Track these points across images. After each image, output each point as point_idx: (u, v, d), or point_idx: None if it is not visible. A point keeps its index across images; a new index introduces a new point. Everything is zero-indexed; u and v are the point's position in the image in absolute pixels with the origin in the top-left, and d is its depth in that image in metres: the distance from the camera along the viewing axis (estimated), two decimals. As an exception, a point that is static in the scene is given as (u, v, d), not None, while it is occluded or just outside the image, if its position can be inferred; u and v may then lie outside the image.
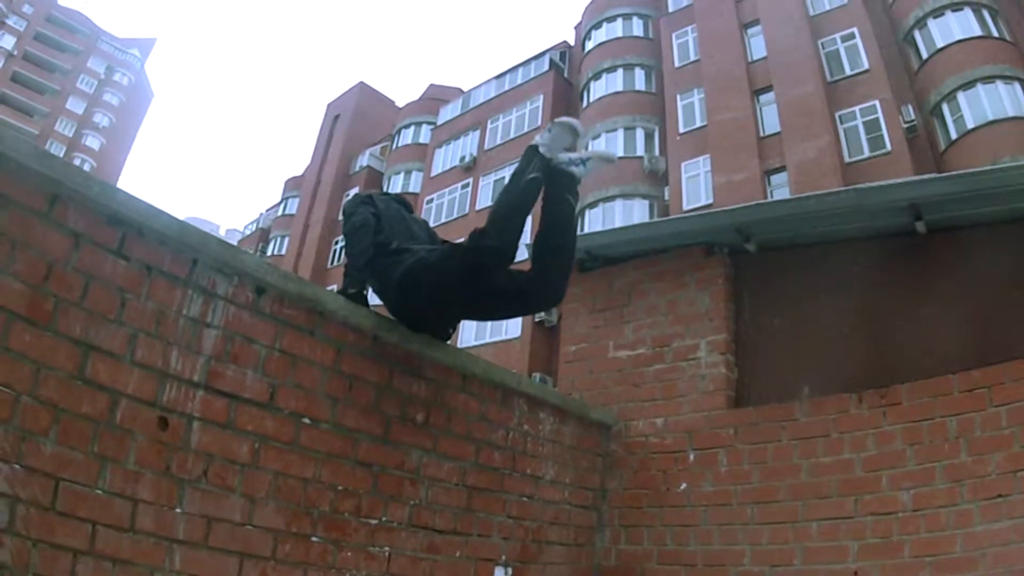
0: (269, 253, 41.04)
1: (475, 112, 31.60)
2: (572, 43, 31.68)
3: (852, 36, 21.66)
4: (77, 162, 45.26)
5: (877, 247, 3.88)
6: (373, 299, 2.94)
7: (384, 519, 2.74)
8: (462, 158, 30.12)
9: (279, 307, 2.53)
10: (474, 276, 2.78)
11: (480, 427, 3.25)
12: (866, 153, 19.64)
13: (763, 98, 22.55)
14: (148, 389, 2.12)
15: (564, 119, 2.96)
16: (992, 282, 3.46)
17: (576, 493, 3.78)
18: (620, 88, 26.52)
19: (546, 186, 2.91)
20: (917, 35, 21.08)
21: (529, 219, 2.86)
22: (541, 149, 2.90)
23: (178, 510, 2.13)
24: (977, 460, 3.06)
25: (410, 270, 2.84)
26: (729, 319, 4.08)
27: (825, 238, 4.01)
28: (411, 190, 31.86)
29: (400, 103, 40.23)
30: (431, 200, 30.33)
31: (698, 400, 3.95)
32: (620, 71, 26.94)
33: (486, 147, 29.82)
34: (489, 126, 30.39)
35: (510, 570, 3.24)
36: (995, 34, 19.82)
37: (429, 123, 34.61)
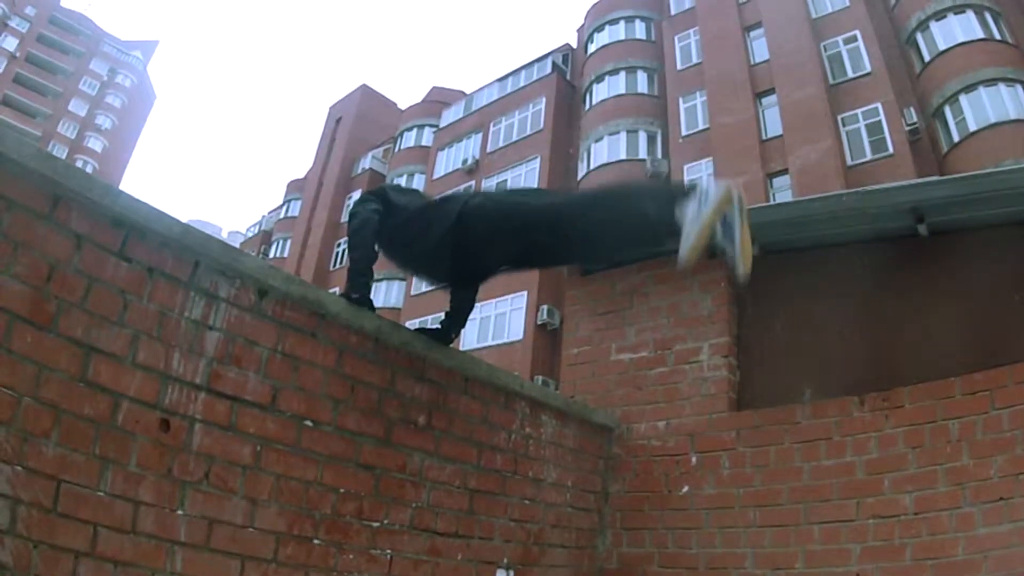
0: (271, 255, 41.12)
1: (478, 115, 31.64)
2: (574, 46, 31.69)
3: (854, 38, 21.66)
4: (79, 164, 45.35)
5: (879, 250, 3.88)
6: (376, 302, 2.93)
7: (386, 522, 2.74)
8: (464, 160, 30.15)
9: (281, 309, 2.53)
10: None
11: (482, 430, 3.25)
12: (868, 156, 19.65)
13: (765, 101, 22.56)
14: (150, 391, 2.12)
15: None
16: (994, 285, 3.46)
17: (578, 496, 3.77)
18: (622, 91, 26.53)
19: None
20: (919, 37, 21.08)
21: None
22: (707, 204, 2.32)
23: (180, 512, 2.13)
24: (979, 463, 3.05)
25: (474, 205, 2.76)
26: (731, 322, 4.07)
27: (827, 241, 4.01)
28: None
29: (402, 106, 40.33)
30: (433, 202, 30.31)
31: (700, 403, 3.94)
32: (622, 74, 26.96)
33: (488, 150, 29.85)
34: (492, 129, 30.41)
35: (512, 573, 3.23)
36: (997, 36, 19.82)
37: (431, 126, 34.66)
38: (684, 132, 23.99)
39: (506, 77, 32.03)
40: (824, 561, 3.29)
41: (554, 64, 30.38)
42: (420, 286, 28.53)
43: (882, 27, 21.72)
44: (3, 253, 1.85)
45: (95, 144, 53.79)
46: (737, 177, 20.79)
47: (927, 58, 20.60)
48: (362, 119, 40.84)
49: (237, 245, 28.36)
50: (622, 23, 28.32)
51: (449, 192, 3.01)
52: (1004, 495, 2.94)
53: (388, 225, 2.91)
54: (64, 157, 22.94)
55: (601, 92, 27.01)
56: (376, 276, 3.00)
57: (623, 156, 24.82)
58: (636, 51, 27.41)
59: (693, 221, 2.33)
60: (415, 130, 35.64)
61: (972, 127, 18.52)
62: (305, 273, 33.91)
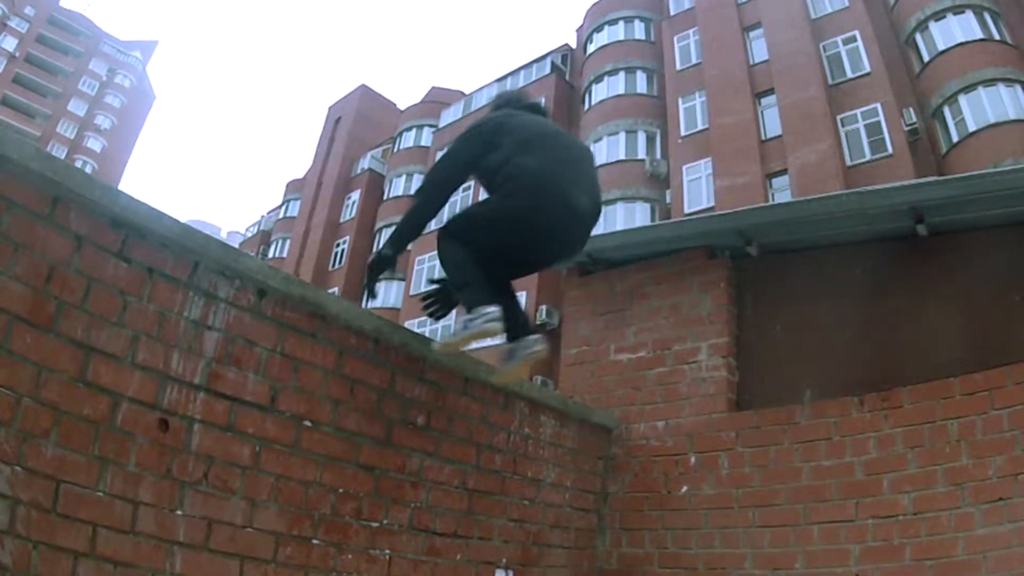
0: (270, 256, 41.11)
1: (477, 115, 31.53)
2: (574, 46, 31.71)
3: (854, 39, 21.68)
4: (79, 164, 45.26)
5: (878, 250, 3.88)
6: (376, 302, 2.92)
7: (385, 522, 2.74)
8: (464, 161, 30.08)
9: (281, 310, 2.53)
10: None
11: (481, 430, 3.25)
12: (868, 156, 19.67)
13: (765, 101, 22.58)
14: (149, 391, 2.12)
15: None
16: (993, 285, 3.46)
17: (577, 496, 3.77)
18: (622, 91, 26.54)
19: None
20: (919, 38, 21.11)
21: None
22: (466, 330, 2.72)
23: (179, 512, 2.13)
24: (978, 463, 3.05)
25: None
26: (730, 322, 4.07)
27: (827, 241, 4.01)
28: (413, 193, 31.87)
29: (402, 106, 40.34)
30: (433, 202, 30.29)
31: (699, 403, 3.94)
32: (622, 74, 26.97)
33: (488, 150, 29.77)
34: (491, 129, 30.35)
35: (511, 573, 3.23)
36: (996, 37, 19.85)
37: (431, 126, 34.67)
38: (683, 132, 24.00)
39: (505, 77, 32.05)
40: (824, 561, 3.29)
41: (553, 64, 30.39)
42: (420, 286, 28.53)
43: (881, 27, 21.73)
44: (3, 253, 1.85)
45: (94, 144, 53.78)
46: (736, 178, 20.82)
47: (926, 58, 20.62)
48: (361, 119, 40.84)
49: (236, 245, 28.37)
50: (621, 23, 28.32)
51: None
52: (1004, 495, 2.94)
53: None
54: (63, 157, 22.82)
55: (600, 92, 27.02)
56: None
57: (622, 156, 24.83)
58: (635, 51, 27.42)
59: (456, 332, 2.75)
60: (414, 130, 35.66)
61: (971, 127, 18.54)
62: (304, 273, 33.89)
